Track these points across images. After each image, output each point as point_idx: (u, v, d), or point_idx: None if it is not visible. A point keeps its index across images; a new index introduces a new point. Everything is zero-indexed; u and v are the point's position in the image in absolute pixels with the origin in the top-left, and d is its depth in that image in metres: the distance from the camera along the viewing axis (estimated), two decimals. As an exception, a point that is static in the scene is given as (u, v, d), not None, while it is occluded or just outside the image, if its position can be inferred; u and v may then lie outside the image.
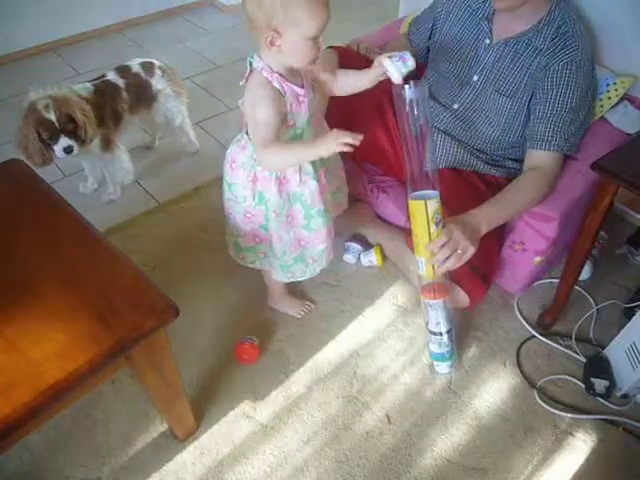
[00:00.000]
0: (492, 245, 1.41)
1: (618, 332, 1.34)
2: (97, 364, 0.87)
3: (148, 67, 1.86)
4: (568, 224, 1.37)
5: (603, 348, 1.40)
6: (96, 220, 1.79)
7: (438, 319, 1.29)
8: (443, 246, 1.16)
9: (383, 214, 1.72)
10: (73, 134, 1.59)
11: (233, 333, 1.46)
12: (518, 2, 1.28)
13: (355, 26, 2.46)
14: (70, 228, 1.11)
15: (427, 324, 1.32)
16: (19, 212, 1.13)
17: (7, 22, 2.62)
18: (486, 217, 1.26)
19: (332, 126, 1.09)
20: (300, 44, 1.02)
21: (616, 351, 1.36)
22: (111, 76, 1.79)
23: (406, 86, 1.13)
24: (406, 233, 1.35)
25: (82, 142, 1.62)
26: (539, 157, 1.36)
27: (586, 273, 1.60)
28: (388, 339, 1.47)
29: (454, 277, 1.33)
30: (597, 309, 1.53)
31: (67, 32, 2.84)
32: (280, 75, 1.07)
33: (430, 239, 1.17)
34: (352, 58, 1.55)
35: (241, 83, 1.10)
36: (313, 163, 1.23)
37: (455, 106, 1.50)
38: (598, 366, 1.37)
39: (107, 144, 1.77)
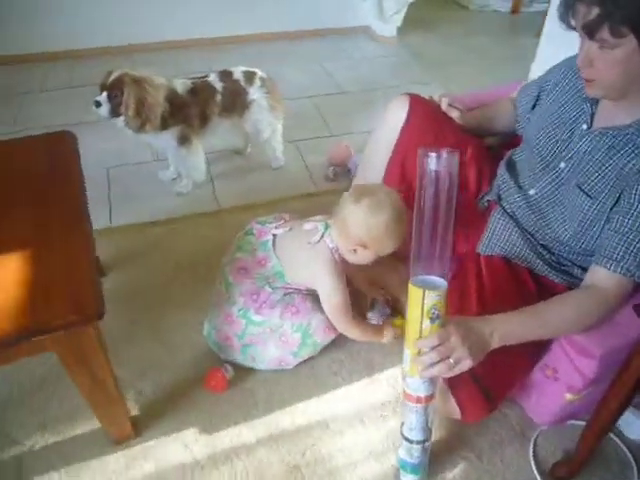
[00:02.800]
0: (515, 360, 1.17)
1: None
2: (8, 338, 0.87)
3: (249, 76, 1.90)
4: (614, 365, 1.09)
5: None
6: (159, 207, 1.95)
7: (412, 424, 1.09)
8: (433, 348, 0.98)
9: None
10: (115, 102, 1.66)
11: (214, 358, 1.40)
12: (613, 93, 1.06)
13: (479, 76, 2.30)
14: (64, 210, 1.13)
15: (402, 424, 1.13)
16: (30, 180, 1.20)
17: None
18: (504, 328, 1.04)
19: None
20: (371, 257, 1.27)
21: None
22: (212, 78, 1.85)
23: (432, 154, 0.97)
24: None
25: (117, 114, 1.68)
26: (601, 276, 1.09)
27: (638, 429, 1.26)
28: (367, 422, 1.30)
29: (450, 381, 1.13)
30: (639, 483, 1.19)
31: (217, 33, 3.05)
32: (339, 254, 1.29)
33: (420, 335, 0.99)
34: (423, 107, 1.42)
35: (309, 242, 1.28)
36: None
37: (531, 192, 1.27)
38: None
39: (184, 140, 1.83)
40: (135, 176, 2.10)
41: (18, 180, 1.19)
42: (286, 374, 1.38)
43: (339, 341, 1.43)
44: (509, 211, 1.32)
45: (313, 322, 1.32)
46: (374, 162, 1.49)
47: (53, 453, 1.21)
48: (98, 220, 1.85)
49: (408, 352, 1.02)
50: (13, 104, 2.52)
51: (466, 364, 0.98)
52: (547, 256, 1.26)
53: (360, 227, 1.20)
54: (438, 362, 0.97)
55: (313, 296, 1.33)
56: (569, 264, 1.25)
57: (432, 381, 1.04)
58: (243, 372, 1.38)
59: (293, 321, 1.31)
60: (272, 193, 2.00)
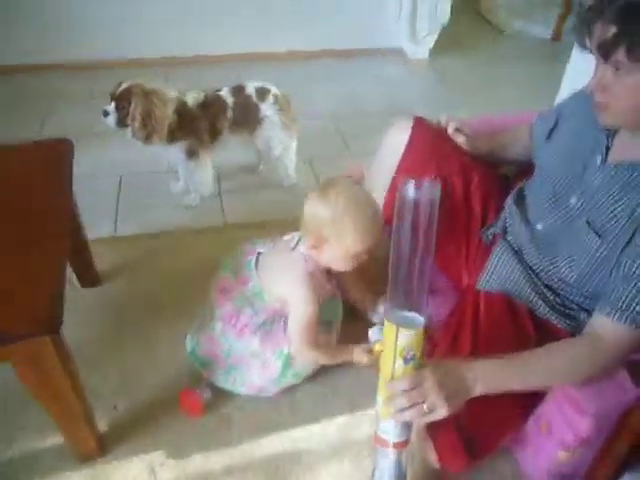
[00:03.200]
0: (504, 410, 1.06)
1: None
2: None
3: (262, 92, 1.88)
4: (611, 424, 0.98)
5: None
6: (166, 218, 1.93)
7: (384, 472, 1.01)
8: (405, 391, 0.90)
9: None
10: (122, 113, 1.67)
11: (196, 378, 1.34)
12: (627, 122, 0.98)
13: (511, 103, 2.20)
14: (43, 221, 1.11)
15: (373, 470, 1.04)
16: (16, 187, 1.20)
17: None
18: (487, 376, 0.95)
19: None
20: (341, 256, 1.18)
21: None
22: (223, 92, 1.84)
23: (411, 182, 0.90)
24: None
25: (124, 125, 1.69)
26: (604, 324, 0.99)
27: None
28: (343, 460, 1.21)
29: (430, 426, 1.04)
30: None
31: (248, 49, 3.06)
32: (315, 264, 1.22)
33: (392, 376, 0.91)
34: (427, 130, 1.35)
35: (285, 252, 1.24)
36: None
37: (539, 226, 1.18)
38: None
39: (192, 153, 1.82)
40: (147, 186, 2.10)
41: (2, 186, 1.19)
42: (266, 402, 1.31)
43: (324, 376, 1.36)
44: (514, 246, 1.23)
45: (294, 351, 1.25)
46: (375, 185, 1.43)
47: (18, 467, 1.18)
48: (103, 228, 1.86)
49: (379, 392, 0.95)
50: (43, 109, 2.58)
51: (441, 412, 0.90)
52: (551, 297, 1.16)
53: (313, 215, 1.15)
54: (410, 407, 0.89)
55: None
56: (575, 308, 1.14)
57: (407, 425, 0.96)
58: (222, 396, 1.32)
59: (274, 348, 1.25)
60: (281, 212, 1.95)
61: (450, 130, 1.37)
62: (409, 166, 1.33)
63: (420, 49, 3.12)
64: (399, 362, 0.89)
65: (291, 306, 1.21)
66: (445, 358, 1.04)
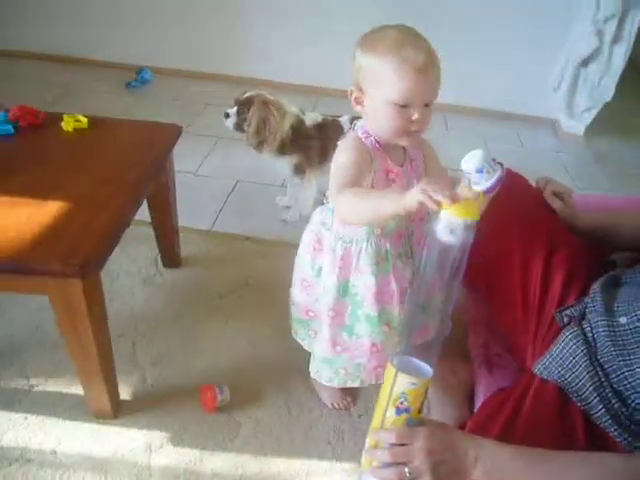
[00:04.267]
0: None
1: None
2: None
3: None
4: None
5: None
6: (262, 227, 1.99)
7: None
8: (392, 445, 0.79)
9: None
10: (241, 118, 1.76)
11: (225, 377, 1.34)
12: None
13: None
14: (122, 183, 1.21)
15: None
16: (120, 153, 1.33)
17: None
18: (493, 460, 0.81)
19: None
20: (382, 109, 0.92)
21: None
22: (343, 119, 1.87)
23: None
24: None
25: (241, 129, 1.77)
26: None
27: None
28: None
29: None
30: None
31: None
32: (377, 142, 0.98)
33: (381, 424, 0.82)
34: (517, 182, 1.22)
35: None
36: (382, 251, 1.06)
37: (622, 320, 0.99)
38: None
39: (299, 170, 1.87)
40: (257, 194, 2.19)
41: (110, 150, 1.32)
42: (282, 424, 1.26)
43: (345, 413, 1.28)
44: (588, 335, 1.04)
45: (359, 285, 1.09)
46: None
47: (37, 400, 1.27)
48: (203, 220, 1.98)
49: (367, 439, 0.85)
50: (197, 110, 2.86)
51: None
52: (616, 406, 0.96)
53: (356, 61, 0.94)
54: (391, 465, 0.79)
55: None
56: (648, 424, 0.93)
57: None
58: (243, 404, 1.30)
59: None
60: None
61: (547, 192, 1.23)
62: (489, 220, 1.22)
63: (576, 123, 2.89)
64: (391, 411, 0.79)
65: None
66: (453, 426, 0.90)
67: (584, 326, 1.06)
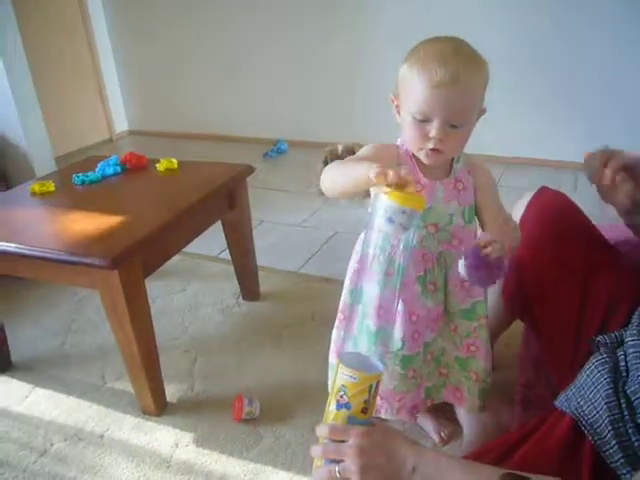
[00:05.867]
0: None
1: None
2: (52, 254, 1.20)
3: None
4: None
5: None
6: (340, 270, 1.88)
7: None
8: (332, 437, 0.76)
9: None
10: None
11: (273, 390, 1.42)
12: None
13: None
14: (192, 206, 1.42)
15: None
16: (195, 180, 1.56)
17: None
18: (432, 472, 0.73)
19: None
20: (406, 121, 0.94)
21: None
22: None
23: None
24: None
25: None
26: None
27: None
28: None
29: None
30: None
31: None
32: (413, 155, 1.00)
33: (324, 418, 0.79)
34: (548, 200, 1.12)
35: None
36: (394, 264, 0.93)
37: None
38: None
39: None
40: (348, 244, 2.25)
41: (182, 184, 1.56)
42: (302, 444, 1.25)
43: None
44: (620, 364, 0.88)
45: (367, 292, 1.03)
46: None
47: (106, 393, 1.46)
48: (292, 264, 2.11)
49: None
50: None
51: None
52: (637, 444, 0.78)
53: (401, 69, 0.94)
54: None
55: None
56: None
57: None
58: (276, 419, 1.33)
59: None
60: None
61: (613, 167, 0.92)
62: (522, 237, 1.13)
63: None
64: (332, 405, 0.77)
65: None
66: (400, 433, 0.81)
67: (618, 354, 0.91)
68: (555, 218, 1.11)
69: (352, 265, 1.20)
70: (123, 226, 1.28)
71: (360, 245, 1.16)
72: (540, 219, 1.12)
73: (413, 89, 0.90)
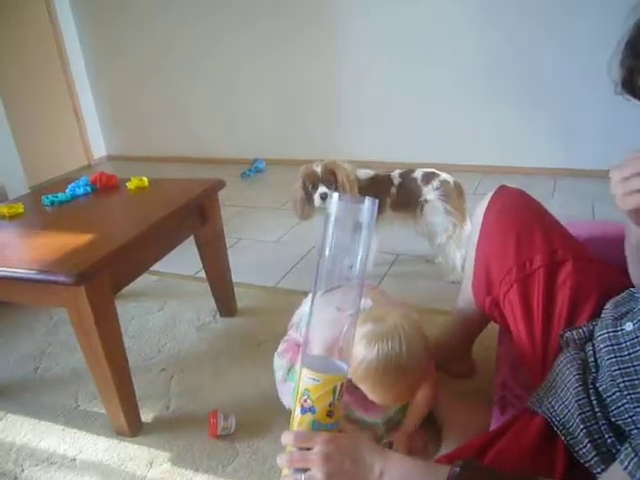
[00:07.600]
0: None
1: None
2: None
3: (429, 177, 1.89)
4: None
5: None
6: (422, 289, 2.00)
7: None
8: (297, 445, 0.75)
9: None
10: (332, 186, 1.84)
11: (249, 405, 1.39)
12: None
13: None
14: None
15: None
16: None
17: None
18: (399, 471, 0.73)
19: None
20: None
21: None
22: (394, 173, 1.93)
23: (335, 195, 0.77)
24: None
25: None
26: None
27: None
28: None
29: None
30: None
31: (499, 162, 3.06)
32: None
33: (290, 424, 0.79)
34: (508, 198, 1.14)
35: None
36: None
37: (627, 327, 0.83)
38: None
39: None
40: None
41: (152, 200, 1.56)
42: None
43: None
44: (589, 360, 0.88)
45: None
46: (467, 270, 1.26)
47: (79, 416, 1.43)
48: (268, 279, 2.10)
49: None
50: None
51: None
52: (609, 441, 0.77)
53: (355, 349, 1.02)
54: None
55: None
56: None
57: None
58: (253, 434, 1.31)
59: None
60: (432, 305, 1.83)
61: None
62: (485, 240, 1.14)
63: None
64: (297, 409, 0.77)
65: None
66: (366, 437, 0.81)
67: (587, 349, 0.91)
68: (516, 215, 1.12)
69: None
70: (91, 243, 1.27)
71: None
72: (502, 217, 1.13)
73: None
